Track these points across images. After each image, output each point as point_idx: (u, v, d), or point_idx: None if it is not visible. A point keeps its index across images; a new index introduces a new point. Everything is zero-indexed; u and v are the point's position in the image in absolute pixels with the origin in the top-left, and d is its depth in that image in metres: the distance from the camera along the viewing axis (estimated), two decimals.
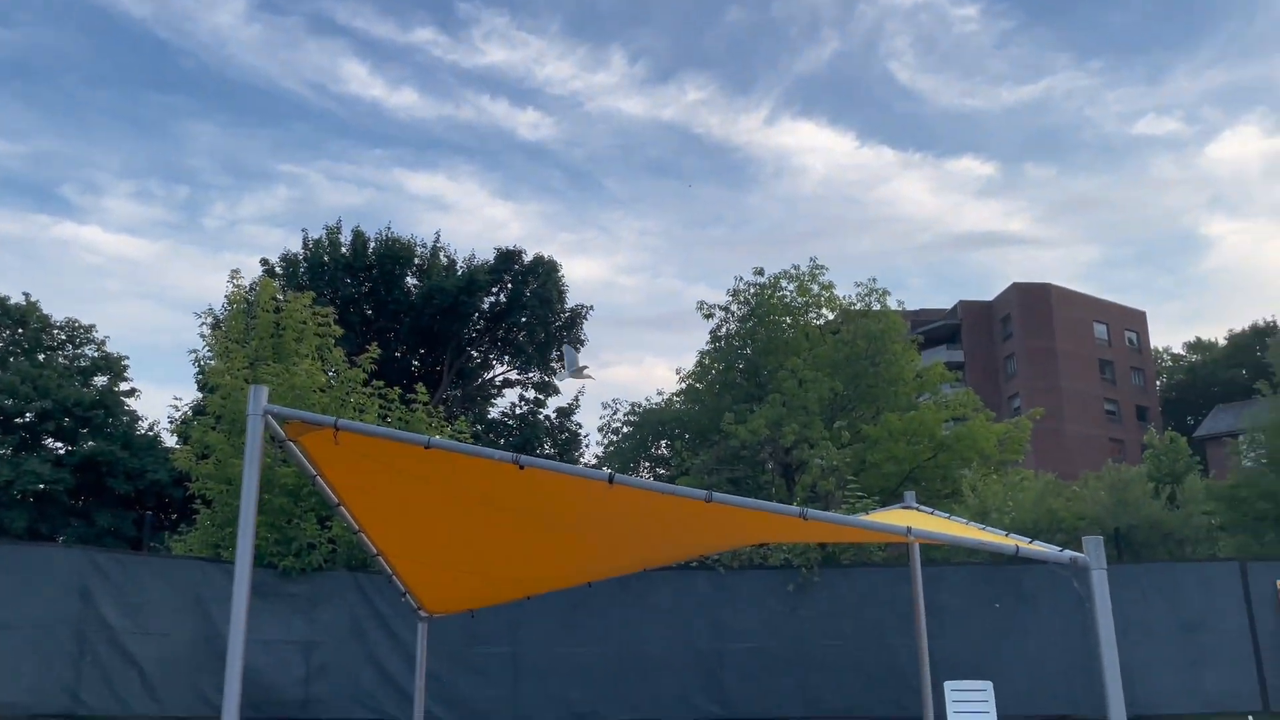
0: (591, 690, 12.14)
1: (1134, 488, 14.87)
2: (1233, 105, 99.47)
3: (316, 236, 33.45)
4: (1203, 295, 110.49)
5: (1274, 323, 64.15)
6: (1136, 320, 67.61)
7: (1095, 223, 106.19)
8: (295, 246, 42.00)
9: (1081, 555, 5.14)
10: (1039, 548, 5.25)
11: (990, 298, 67.03)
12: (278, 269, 32.66)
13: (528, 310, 34.51)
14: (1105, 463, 17.56)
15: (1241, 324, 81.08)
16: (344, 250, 33.06)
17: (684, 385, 28.16)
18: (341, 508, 5.58)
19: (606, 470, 4.72)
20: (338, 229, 33.57)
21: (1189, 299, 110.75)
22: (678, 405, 28.03)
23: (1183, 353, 74.38)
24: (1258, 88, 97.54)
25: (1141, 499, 14.83)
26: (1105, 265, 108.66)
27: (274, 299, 14.57)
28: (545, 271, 34.83)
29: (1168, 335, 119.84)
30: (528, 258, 34.96)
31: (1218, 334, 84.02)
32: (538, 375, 36.06)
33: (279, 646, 12.10)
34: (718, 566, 12.65)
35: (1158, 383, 69.01)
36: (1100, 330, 64.51)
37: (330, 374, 14.70)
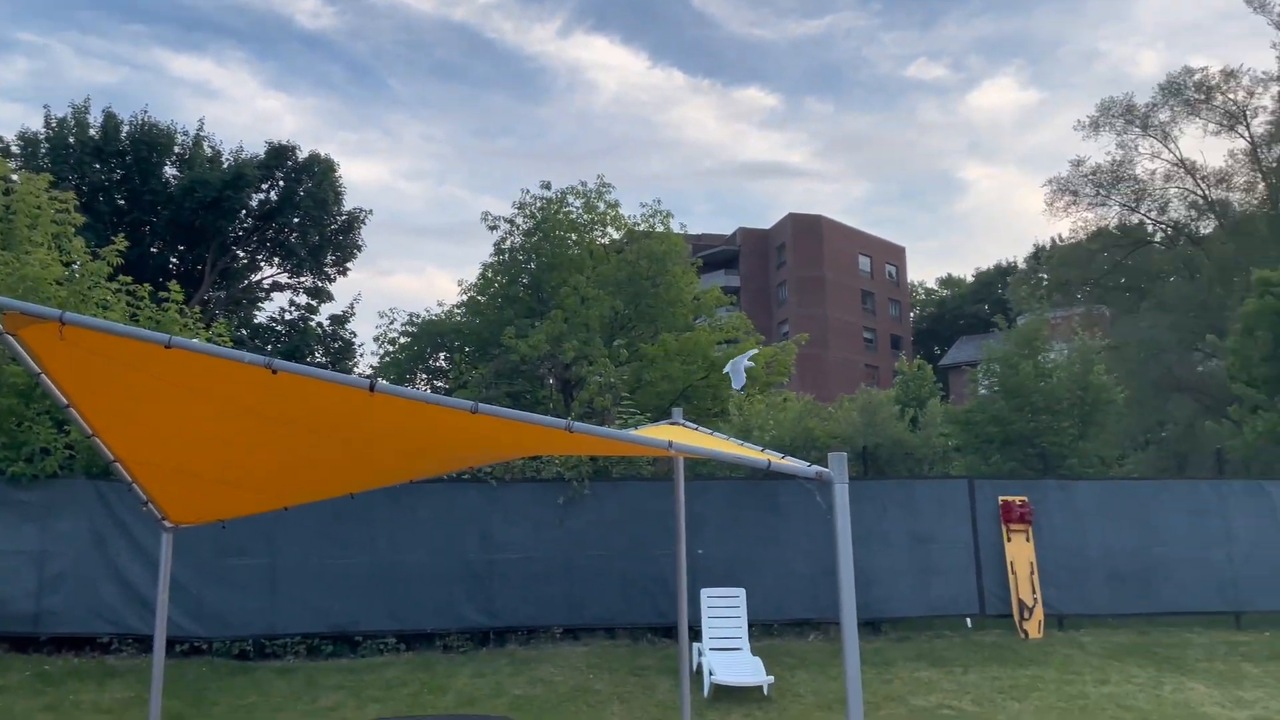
0: (354, 601, 11.97)
1: (882, 410, 15.99)
2: (995, 56, 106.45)
3: (61, 115, 30.33)
4: (956, 234, 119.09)
5: (1015, 263, 69.98)
6: (896, 255, 72.14)
7: (866, 160, 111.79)
8: (36, 125, 37.96)
9: (827, 470, 5.46)
10: (790, 463, 5.53)
11: (768, 226, 69.56)
12: (14, 148, 29.45)
13: (301, 211, 32.81)
14: (860, 387, 18.73)
15: (987, 263, 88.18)
16: (93, 133, 30.15)
17: (466, 297, 27.75)
18: (72, 410, 5.13)
19: (368, 377, 4.54)
20: (86, 109, 30.55)
21: (944, 237, 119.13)
22: (458, 317, 27.61)
23: (935, 287, 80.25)
24: (1018, 40, 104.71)
25: (888, 420, 15.97)
26: (872, 201, 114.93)
27: (3, 179, 13.12)
28: (321, 171, 33.13)
29: (923, 270, 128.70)
30: (302, 155, 33.11)
31: (967, 271, 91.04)
32: (310, 280, 34.51)
33: (8, 557, 11.21)
34: (489, 479, 12.67)
35: (912, 314, 74.19)
36: (864, 263, 68.42)
37: (73, 266, 13.46)
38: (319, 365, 31.35)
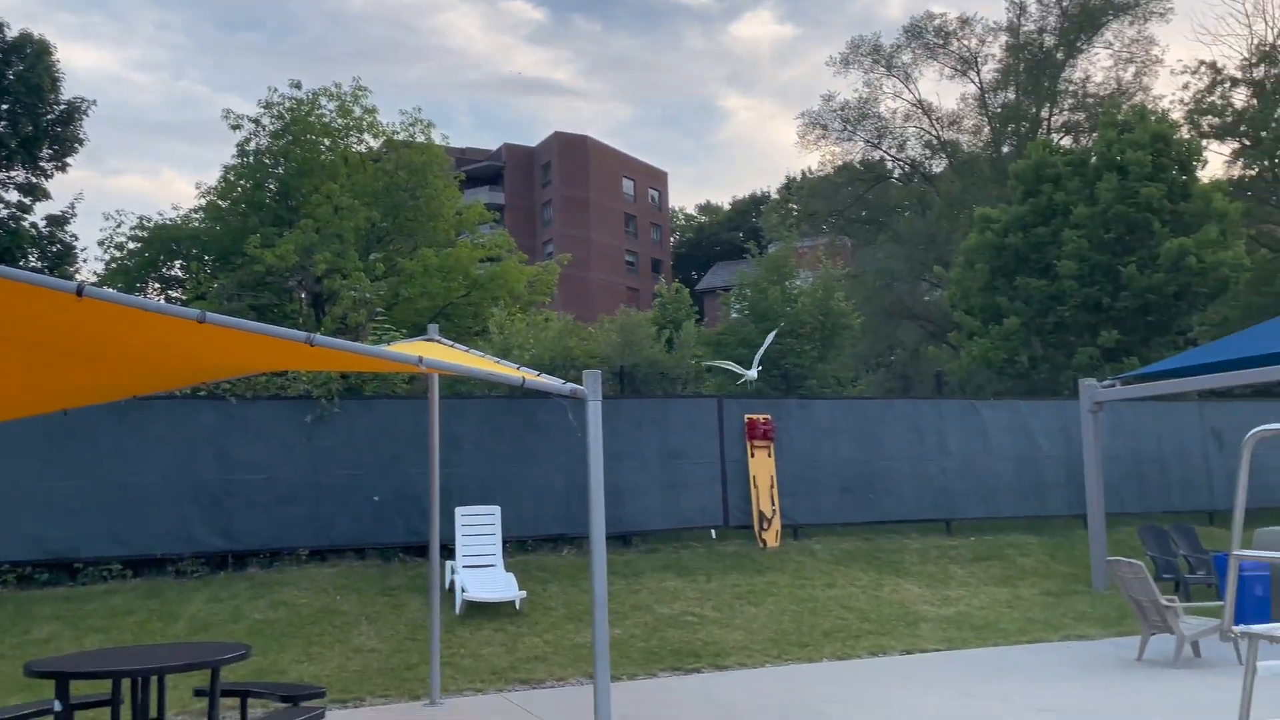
0: (73, 527, 11.02)
1: (640, 331, 16.31)
2: None
3: None
4: (716, 162, 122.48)
5: (769, 193, 72.83)
6: (659, 179, 73.39)
7: (631, 82, 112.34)
8: None
9: (581, 388, 5.46)
10: (546, 380, 5.49)
11: (534, 144, 68.76)
12: None
13: (10, 96, 29.15)
14: (620, 308, 19.02)
15: (744, 192, 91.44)
16: None
17: (205, 202, 25.77)
18: None
19: (75, 281, 4.07)
20: None
21: (704, 164, 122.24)
22: (197, 223, 25.64)
23: (695, 214, 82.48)
24: None
25: (646, 341, 16.33)
26: (636, 124, 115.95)
27: None
28: (35, 53, 29.41)
29: (684, 196, 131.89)
30: (11, 34, 29.33)
31: (725, 199, 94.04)
32: (22, 175, 30.89)
33: None
34: (228, 396, 11.92)
35: (672, 239, 76.00)
36: (628, 186, 69.16)
37: None
38: (33, 270, 28.29)
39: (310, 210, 22.49)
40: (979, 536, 15.10)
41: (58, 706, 5.72)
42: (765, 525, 14.02)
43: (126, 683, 6.90)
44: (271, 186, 24.91)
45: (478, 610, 10.91)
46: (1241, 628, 5.62)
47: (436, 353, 6.76)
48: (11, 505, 10.82)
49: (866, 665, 9.56)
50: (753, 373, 6.51)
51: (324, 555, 12.26)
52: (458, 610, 10.77)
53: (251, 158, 24.73)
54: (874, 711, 7.55)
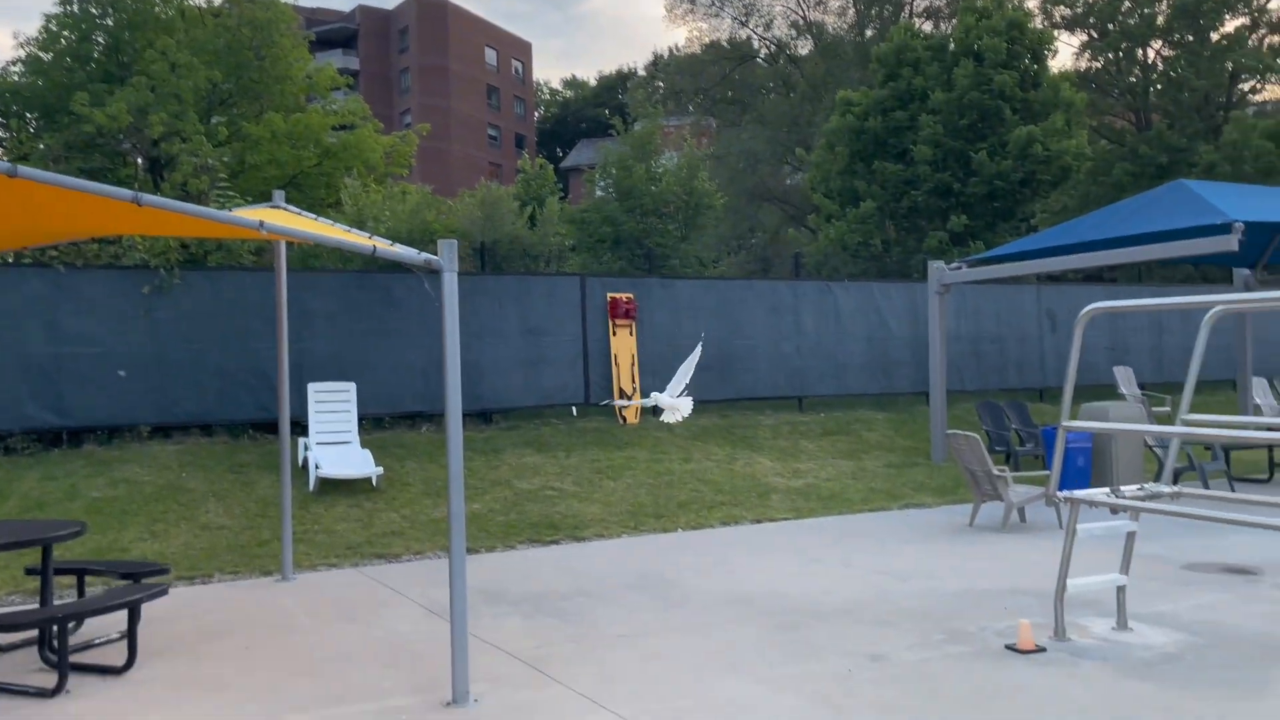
0: None
1: (502, 206, 15.94)
2: None
3: None
4: (582, 35, 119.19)
5: (635, 70, 71.53)
6: (523, 51, 71.02)
7: None
8: None
9: (436, 258, 5.27)
10: (399, 249, 5.27)
11: (391, 6, 65.27)
12: None
13: None
14: (480, 181, 18.51)
15: (610, 67, 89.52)
16: None
17: (25, 54, 23.53)
18: None
19: None
20: None
21: (570, 37, 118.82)
22: (17, 77, 23.45)
23: (560, 88, 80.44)
24: None
25: (508, 217, 15.99)
26: None
27: None
28: None
29: (549, 70, 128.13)
30: None
31: (590, 74, 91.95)
32: None
33: None
34: (56, 264, 11.13)
35: (536, 114, 74.12)
36: (491, 56, 66.73)
37: None
38: None
39: (144, 67, 20.81)
40: (829, 413, 15.69)
41: None
42: (626, 402, 14.18)
43: None
44: (100, 40, 22.90)
45: (332, 487, 10.73)
46: (1065, 493, 6.01)
47: (281, 220, 6.41)
48: None
49: (719, 534, 9.89)
50: (667, 397, 5.94)
51: (168, 432, 11.79)
52: (311, 487, 10.58)
53: (75, 6, 22.61)
54: (724, 576, 7.84)
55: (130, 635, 5.63)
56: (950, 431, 10.11)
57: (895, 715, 4.68)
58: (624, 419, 14.10)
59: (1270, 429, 6.79)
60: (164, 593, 5.76)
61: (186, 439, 11.76)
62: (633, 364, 14.31)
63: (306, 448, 11.19)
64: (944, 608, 6.71)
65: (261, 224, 4.77)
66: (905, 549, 8.86)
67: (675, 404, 6.62)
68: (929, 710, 4.73)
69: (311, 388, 11.56)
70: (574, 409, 14.29)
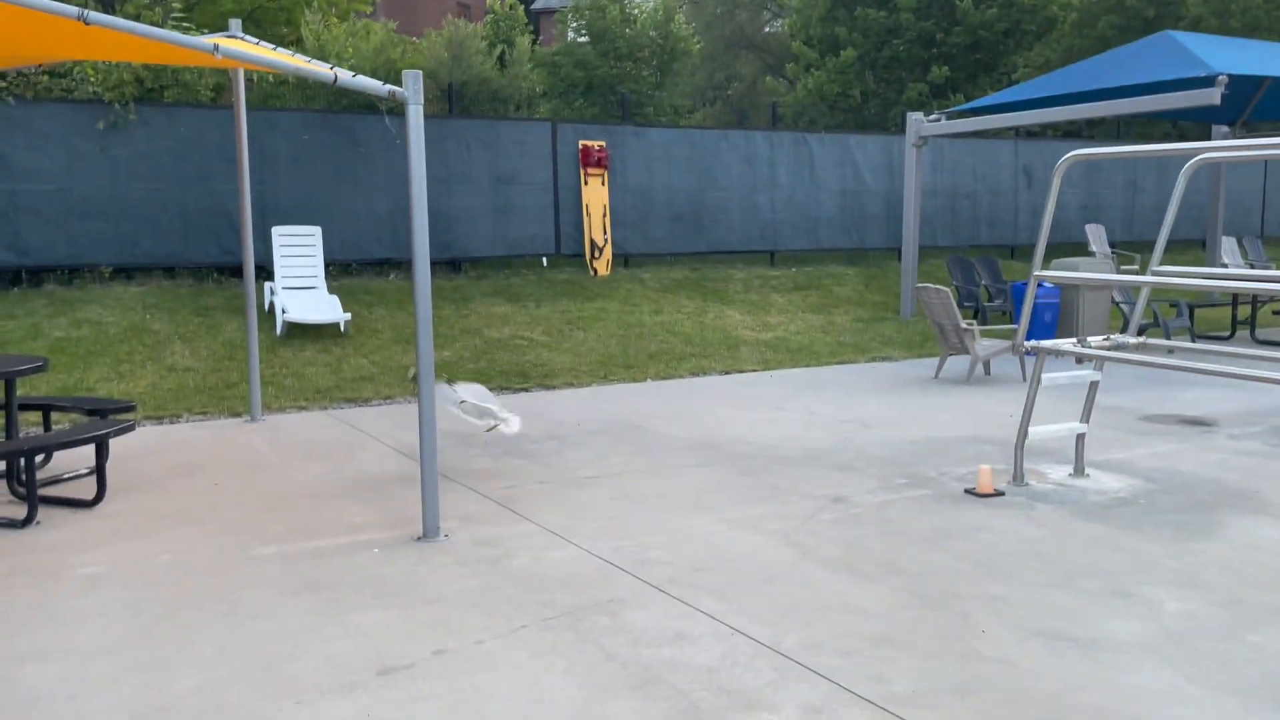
0: None
1: (470, 45, 15.35)
2: None
3: None
4: None
5: None
6: None
7: None
8: None
9: (401, 89, 5.08)
10: (362, 80, 5.06)
11: None
12: None
13: None
14: (447, 18, 17.76)
15: None
16: None
17: None
18: None
19: None
20: None
21: None
22: None
23: None
24: None
25: (477, 57, 15.41)
26: None
27: None
28: None
29: None
30: None
31: None
32: None
33: None
34: (6, 97, 10.68)
35: None
36: None
37: None
38: None
39: None
40: (800, 268, 15.66)
41: None
42: (597, 254, 14.06)
43: None
44: None
45: (300, 332, 10.66)
46: (1032, 343, 6.07)
47: (238, 48, 6.12)
48: None
49: (688, 384, 9.98)
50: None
51: (130, 274, 11.59)
52: (279, 332, 10.50)
53: None
54: (692, 424, 7.94)
55: (99, 470, 5.64)
56: (920, 285, 10.13)
57: (856, 552, 4.82)
58: (595, 271, 14.01)
59: (1239, 280, 6.85)
60: (131, 429, 5.75)
61: (149, 281, 11.57)
62: (605, 214, 14.13)
63: (273, 292, 11.06)
64: (906, 455, 6.85)
65: (217, 47, 4.55)
66: (870, 400, 9.00)
67: (501, 415, 6.40)
68: (889, 547, 4.88)
69: (276, 231, 11.33)
70: (545, 260, 14.16)
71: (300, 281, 11.31)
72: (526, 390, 9.59)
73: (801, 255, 16.12)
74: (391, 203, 12.67)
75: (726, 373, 10.58)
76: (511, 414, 6.33)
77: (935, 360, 10.89)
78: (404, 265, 13.09)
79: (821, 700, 3.28)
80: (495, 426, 6.36)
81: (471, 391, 6.32)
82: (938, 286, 9.92)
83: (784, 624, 3.93)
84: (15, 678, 3.50)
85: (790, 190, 15.58)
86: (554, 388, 9.72)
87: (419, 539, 5.07)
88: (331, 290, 11.48)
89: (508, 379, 9.84)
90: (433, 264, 10.99)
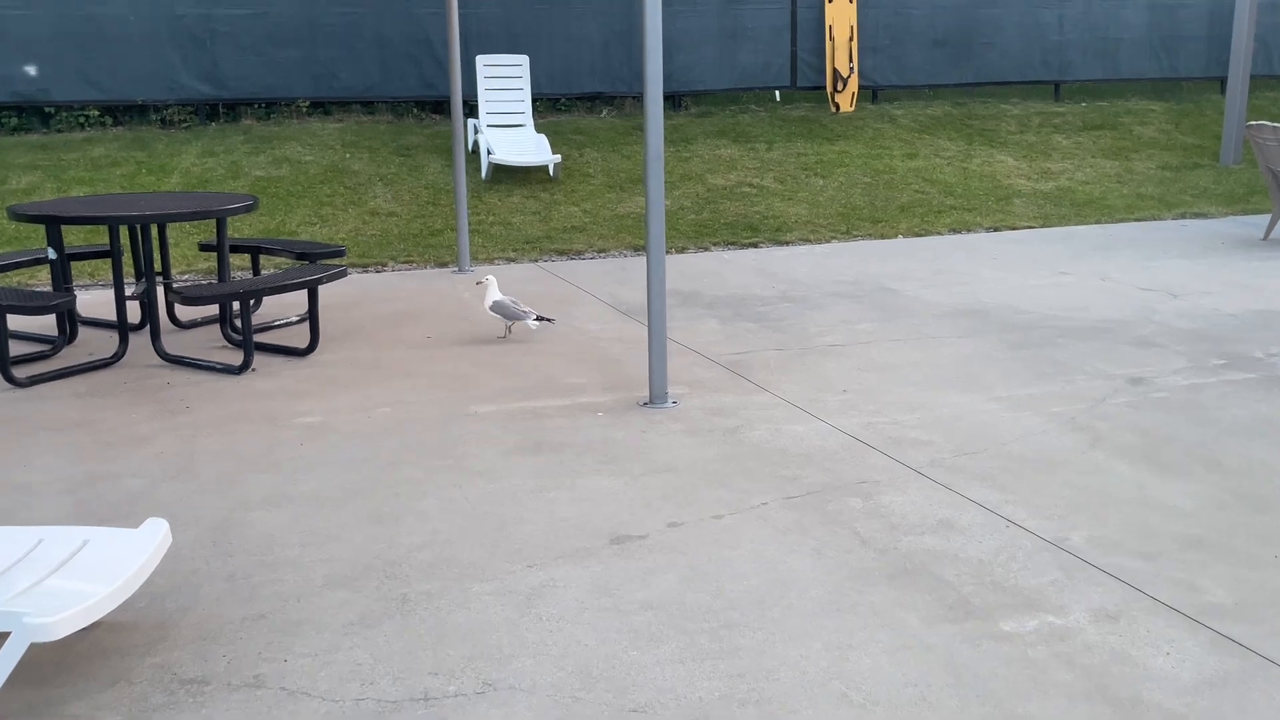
0: (40, 65, 10.97)
1: None
2: None
3: None
4: None
5: None
6: None
7: None
8: None
9: None
10: None
11: None
12: None
13: None
14: None
15: None
16: None
17: None
18: None
19: None
20: None
21: None
22: None
23: None
24: None
25: None
26: None
27: None
28: None
29: None
30: None
31: None
32: None
33: None
34: None
35: None
36: None
37: None
38: None
39: None
40: (1092, 102, 14.73)
41: (52, 254, 5.96)
42: (840, 86, 13.69)
43: (125, 233, 7.18)
44: None
45: (505, 175, 11.03)
46: None
47: None
48: None
49: (948, 242, 9.71)
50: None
51: (327, 109, 12.25)
52: (484, 175, 10.90)
53: None
54: (953, 287, 7.76)
55: (312, 317, 6.12)
56: (1252, 123, 9.34)
57: (1160, 441, 4.65)
58: (837, 106, 13.67)
59: None
60: (344, 274, 6.19)
61: (347, 116, 12.20)
62: (851, 39, 13.67)
63: (476, 130, 11.43)
64: (1224, 330, 6.47)
65: None
66: (1178, 264, 8.50)
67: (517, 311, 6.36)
68: (1202, 437, 4.68)
69: (480, 60, 11.64)
70: (778, 93, 13.92)
71: (507, 119, 11.63)
72: (755, 245, 9.60)
73: (1094, 86, 15.12)
74: (603, 28, 12.72)
75: (995, 229, 10.22)
76: (529, 309, 6.49)
77: (1265, 218, 10.11)
78: (617, 100, 13.19)
79: (1118, 606, 3.24)
80: (512, 326, 6.59)
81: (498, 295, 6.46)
82: (1275, 124, 9.12)
83: (1071, 518, 3.88)
84: (246, 522, 3.94)
85: (1084, 3, 14.53)
86: (787, 243, 9.69)
87: (645, 404, 5.27)
88: (539, 129, 11.75)
89: (734, 232, 9.88)
90: None
